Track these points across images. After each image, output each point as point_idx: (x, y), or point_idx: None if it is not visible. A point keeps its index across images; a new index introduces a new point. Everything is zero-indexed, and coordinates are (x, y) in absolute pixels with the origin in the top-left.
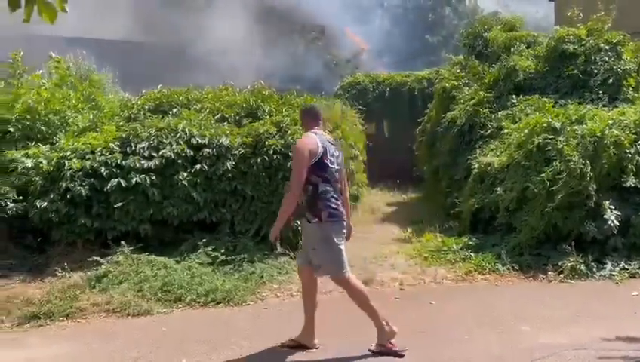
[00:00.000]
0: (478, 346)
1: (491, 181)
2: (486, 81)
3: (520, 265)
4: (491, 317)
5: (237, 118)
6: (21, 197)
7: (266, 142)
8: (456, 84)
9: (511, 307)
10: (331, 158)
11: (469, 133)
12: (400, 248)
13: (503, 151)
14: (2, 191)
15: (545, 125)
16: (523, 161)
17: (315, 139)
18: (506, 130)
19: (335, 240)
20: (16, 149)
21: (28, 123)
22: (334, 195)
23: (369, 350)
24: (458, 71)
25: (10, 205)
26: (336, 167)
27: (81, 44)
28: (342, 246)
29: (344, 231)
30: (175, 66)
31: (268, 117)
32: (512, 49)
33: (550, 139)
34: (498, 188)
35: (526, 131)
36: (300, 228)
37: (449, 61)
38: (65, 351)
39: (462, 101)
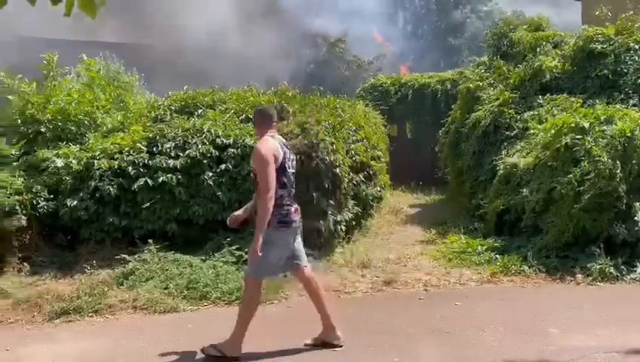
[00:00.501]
0: (505, 347)
1: (517, 182)
2: (511, 81)
3: (547, 268)
4: (518, 318)
5: None
6: (52, 196)
7: (290, 143)
8: (480, 84)
9: (538, 309)
10: (289, 163)
11: (494, 134)
12: (424, 249)
13: (529, 152)
14: (34, 190)
15: (572, 125)
16: (550, 161)
17: (275, 144)
18: (532, 131)
19: (274, 247)
20: (48, 149)
21: (59, 124)
22: (288, 201)
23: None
24: (482, 71)
25: (42, 203)
26: (293, 170)
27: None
28: (278, 255)
29: (293, 238)
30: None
31: (291, 117)
32: (538, 49)
33: (578, 139)
34: (524, 190)
35: (553, 131)
36: (323, 228)
37: (473, 62)
38: (94, 346)
39: (486, 102)
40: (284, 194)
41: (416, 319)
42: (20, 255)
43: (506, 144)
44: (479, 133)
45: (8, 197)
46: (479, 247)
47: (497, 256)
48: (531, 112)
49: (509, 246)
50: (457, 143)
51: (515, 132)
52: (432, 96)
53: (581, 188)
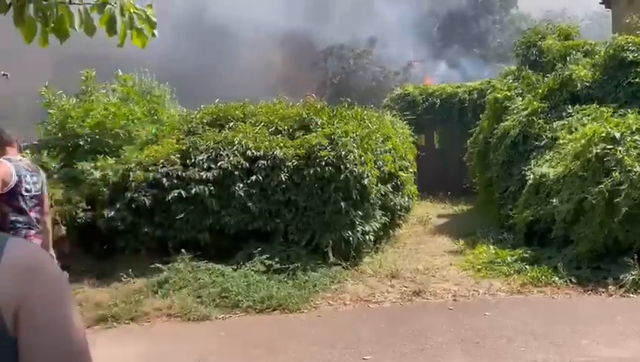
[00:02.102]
0: (536, 358)
1: (547, 192)
2: (540, 90)
3: (578, 279)
4: (548, 329)
5: (290, 130)
6: (90, 207)
7: (319, 154)
8: (508, 94)
9: (569, 320)
10: (27, 186)
11: (522, 144)
12: (452, 260)
13: (558, 162)
14: (73, 201)
15: (603, 135)
16: (580, 171)
17: (8, 168)
18: (561, 141)
19: None
20: (86, 161)
21: (97, 137)
22: (25, 226)
23: None
24: (510, 81)
25: (81, 214)
26: (33, 194)
27: None
28: None
29: None
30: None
31: (320, 129)
32: (568, 58)
33: (609, 149)
34: (554, 200)
35: (583, 141)
36: (351, 238)
37: (500, 71)
38: (132, 351)
39: (515, 111)
40: (20, 218)
41: (446, 329)
42: (60, 264)
43: (535, 154)
44: (508, 143)
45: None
46: (508, 258)
47: (527, 266)
48: (561, 122)
49: (539, 257)
50: (486, 153)
51: (544, 142)
52: (459, 105)
53: (614, 199)
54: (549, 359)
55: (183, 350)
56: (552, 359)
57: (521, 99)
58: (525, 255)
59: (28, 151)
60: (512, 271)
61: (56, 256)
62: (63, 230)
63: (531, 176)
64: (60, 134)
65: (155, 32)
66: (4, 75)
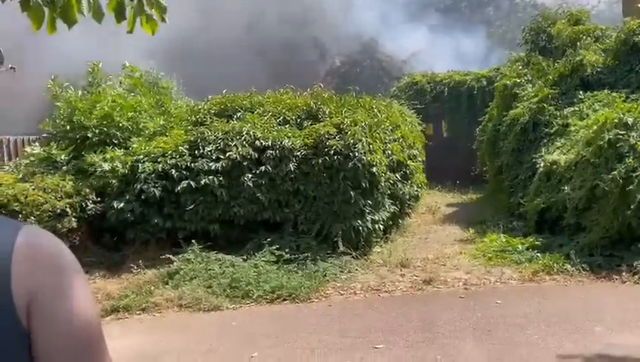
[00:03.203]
0: (549, 346)
1: (558, 179)
2: (551, 77)
3: (590, 266)
4: (561, 317)
5: (298, 120)
6: (99, 199)
7: (327, 143)
8: (518, 81)
9: (582, 308)
10: None
11: (533, 131)
12: (463, 248)
13: (570, 149)
14: (83, 193)
15: (616, 121)
16: (592, 158)
17: None
18: (573, 127)
19: None
20: (95, 153)
21: (105, 129)
22: None
23: None
24: (519, 68)
25: (90, 206)
26: None
27: None
28: None
29: None
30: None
31: (328, 118)
32: (578, 43)
33: (622, 135)
34: (565, 187)
35: (595, 128)
36: (360, 228)
37: (509, 58)
38: (144, 342)
39: (525, 98)
40: None
41: (457, 317)
42: None
43: (545, 141)
44: (518, 130)
45: (59, 201)
46: (520, 246)
47: (539, 254)
48: (572, 108)
49: (550, 245)
50: (495, 141)
51: (554, 129)
52: (468, 93)
53: (627, 185)
54: (562, 346)
55: (194, 340)
56: (566, 346)
57: (530, 85)
58: (537, 243)
59: (38, 144)
60: (523, 259)
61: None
62: (74, 222)
63: (542, 164)
64: (67, 127)
65: (166, 17)
66: (11, 68)
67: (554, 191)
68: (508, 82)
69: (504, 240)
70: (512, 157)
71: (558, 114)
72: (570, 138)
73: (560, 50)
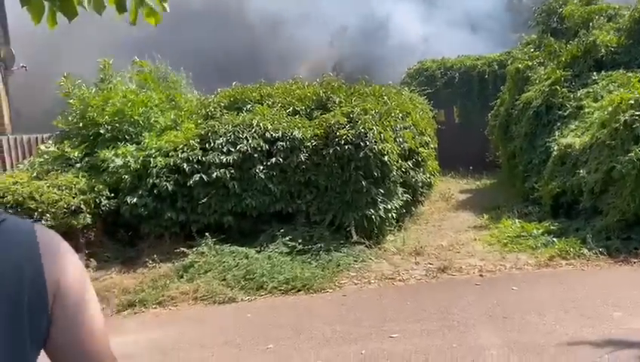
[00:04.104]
0: (568, 332)
1: (573, 163)
2: (563, 58)
3: (608, 250)
4: (579, 302)
5: (308, 110)
6: (113, 195)
7: (337, 133)
8: (530, 64)
9: (600, 292)
10: None
11: (546, 115)
12: (477, 235)
13: (584, 132)
14: (97, 189)
15: (632, 101)
16: (608, 140)
17: None
18: (587, 109)
19: None
20: (107, 149)
21: (117, 125)
22: None
23: None
24: (531, 50)
25: (104, 202)
26: None
27: None
28: None
29: None
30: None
31: (338, 108)
32: (590, 23)
33: (638, 115)
34: (581, 170)
35: (610, 109)
36: (373, 217)
37: (520, 41)
38: (161, 335)
39: (537, 81)
40: None
41: (473, 304)
42: (87, 251)
43: (559, 124)
44: (530, 114)
45: (73, 197)
46: (535, 231)
47: (554, 239)
48: (585, 90)
49: (566, 229)
50: (508, 126)
51: (568, 111)
52: (479, 78)
53: None
54: (581, 332)
55: (210, 332)
56: (585, 332)
57: (543, 68)
58: (552, 227)
59: (51, 142)
60: (538, 245)
61: (83, 244)
62: (88, 218)
63: (556, 147)
64: (80, 124)
65: (166, 5)
66: (22, 67)
67: (569, 174)
68: (520, 65)
69: (519, 225)
70: (525, 141)
71: (572, 96)
72: (585, 120)
73: (572, 31)
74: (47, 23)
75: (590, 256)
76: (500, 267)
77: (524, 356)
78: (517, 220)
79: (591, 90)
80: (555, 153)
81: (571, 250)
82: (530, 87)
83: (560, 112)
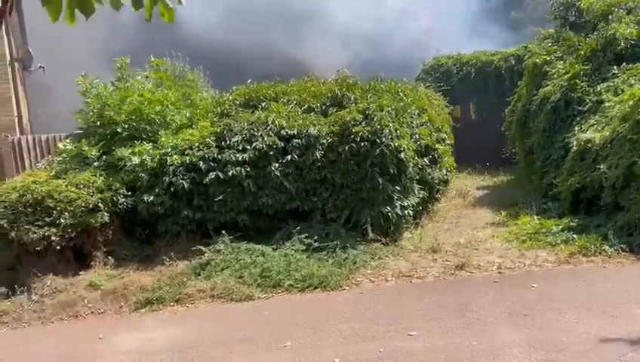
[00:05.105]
0: (590, 329)
1: (593, 158)
2: (582, 52)
3: (630, 246)
4: (601, 300)
5: (323, 107)
6: (130, 193)
7: (353, 130)
8: (547, 58)
9: (622, 289)
10: None
11: (564, 110)
12: (495, 232)
13: (605, 126)
14: (114, 188)
15: None
16: (629, 134)
17: None
18: (607, 104)
19: None
20: (124, 148)
21: (134, 123)
22: None
23: None
24: (549, 45)
25: (122, 200)
26: None
27: None
28: None
29: None
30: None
31: (353, 105)
32: (610, 16)
33: None
34: (601, 166)
35: (631, 102)
36: (389, 214)
37: (537, 35)
38: (179, 332)
39: (555, 76)
40: None
41: (492, 302)
42: (105, 249)
43: (578, 119)
44: (549, 109)
45: (91, 196)
46: (554, 228)
47: (574, 236)
48: (605, 84)
49: (586, 226)
50: (525, 121)
51: (588, 106)
52: (495, 73)
53: None
54: (603, 330)
55: (228, 330)
56: (607, 330)
57: (561, 62)
58: (572, 224)
59: (69, 141)
60: (558, 241)
61: (101, 242)
62: (106, 216)
63: (575, 142)
64: (98, 122)
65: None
66: (40, 67)
67: (589, 170)
68: (537, 60)
69: (538, 222)
70: (543, 137)
71: (591, 90)
72: (605, 115)
73: (591, 25)
74: (66, 20)
75: (612, 253)
76: (518, 264)
77: (546, 354)
78: (535, 216)
79: (611, 84)
80: (574, 148)
81: (592, 246)
82: (549, 82)
83: (579, 107)
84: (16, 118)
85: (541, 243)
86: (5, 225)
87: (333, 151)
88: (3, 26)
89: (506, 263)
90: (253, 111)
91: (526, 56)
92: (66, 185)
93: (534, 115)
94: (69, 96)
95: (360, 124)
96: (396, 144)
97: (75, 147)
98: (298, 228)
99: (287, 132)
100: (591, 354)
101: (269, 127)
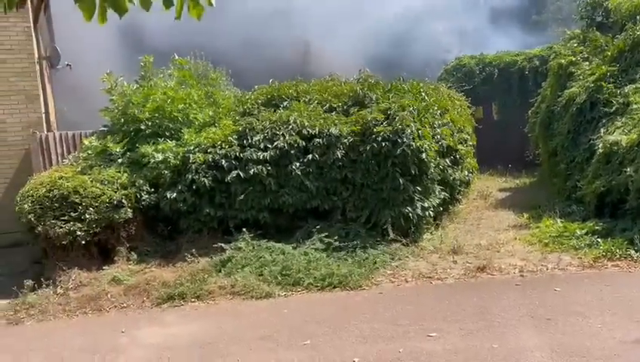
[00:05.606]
0: (615, 335)
1: (619, 161)
2: (609, 53)
3: None
4: (626, 305)
5: (345, 107)
6: (153, 190)
7: (374, 130)
8: (573, 59)
9: None
10: None
11: (590, 111)
12: (517, 234)
13: (632, 129)
14: (137, 184)
15: None
16: None
17: None
18: (635, 106)
19: None
20: (148, 145)
21: (157, 121)
22: None
23: None
24: (575, 45)
25: (145, 196)
26: None
27: None
28: None
29: None
30: None
31: (375, 104)
32: (638, 17)
33: None
34: (628, 169)
35: None
36: (410, 214)
37: (563, 36)
38: (200, 328)
39: (581, 77)
40: None
41: (514, 305)
42: (128, 244)
43: (604, 121)
44: (574, 110)
45: (115, 192)
46: (578, 231)
47: (599, 239)
48: (633, 85)
49: (612, 230)
50: (549, 123)
51: (614, 108)
52: (519, 74)
53: None
54: (628, 335)
55: (248, 327)
56: (633, 335)
57: (587, 63)
58: (597, 228)
59: (94, 138)
60: (582, 245)
61: (124, 237)
62: (129, 212)
63: (601, 145)
64: (122, 120)
65: (213, 0)
66: (67, 65)
67: (615, 173)
68: (563, 61)
69: (561, 225)
70: (567, 139)
71: (618, 92)
72: (632, 117)
73: (619, 25)
74: (98, 19)
75: (638, 258)
76: (541, 267)
77: (569, 359)
78: (559, 220)
79: (639, 86)
80: (599, 151)
81: (617, 250)
82: (574, 83)
83: (605, 109)
84: (44, 115)
85: (564, 247)
86: (33, 219)
87: (354, 150)
88: (32, 24)
89: (528, 266)
90: (274, 110)
91: (551, 57)
92: (91, 181)
93: (559, 117)
94: (95, 94)
95: (381, 123)
96: (418, 144)
97: (100, 143)
98: (318, 227)
99: (308, 131)
100: (616, 359)
101: (290, 126)
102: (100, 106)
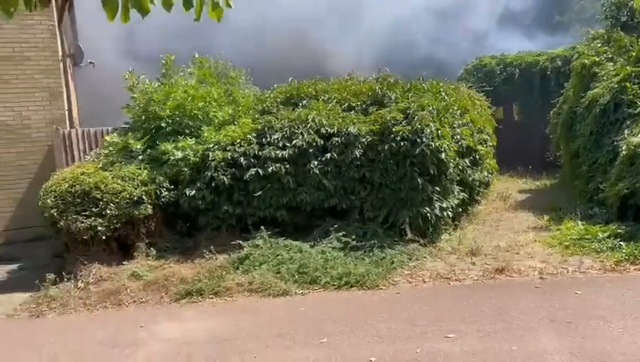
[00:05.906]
0: (636, 340)
1: None
2: (634, 54)
3: None
4: None
5: (363, 106)
6: (172, 186)
7: (393, 129)
8: (597, 59)
9: None
10: None
11: (614, 113)
12: (537, 236)
13: None
14: (157, 181)
15: None
16: None
17: None
18: None
19: None
20: (168, 142)
21: (177, 118)
22: None
23: None
24: (599, 45)
25: (164, 193)
26: None
27: None
28: None
29: None
30: None
31: (394, 104)
32: None
33: None
34: None
35: None
36: (428, 215)
37: (586, 36)
38: (217, 324)
39: (605, 78)
40: None
41: (534, 308)
42: (147, 240)
43: (628, 123)
44: (597, 111)
45: (136, 188)
46: (600, 234)
47: (622, 243)
48: None
49: (635, 233)
50: (571, 124)
51: (639, 109)
52: (540, 75)
53: None
54: None
55: (264, 324)
56: None
57: (611, 64)
58: (619, 231)
59: (116, 134)
60: (604, 248)
61: (144, 233)
62: (149, 209)
63: (625, 147)
64: (143, 117)
65: (231, 2)
66: (90, 63)
67: (639, 175)
68: (586, 61)
69: (582, 227)
70: (590, 140)
71: None
72: None
73: None
74: (121, 19)
75: None
76: (561, 270)
77: None
78: (580, 222)
79: None
80: (623, 152)
81: None
82: (597, 84)
83: (630, 110)
84: (67, 112)
85: (586, 250)
86: (55, 214)
87: (372, 150)
88: (56, 22)
89: (548, 269)
90: (293, 109)
91: (574, 57)
92: (113, 178)
93: (581, 118)
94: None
95: (400, 123)
96: (437, 144)
97: (122, 140)
98: (336, 225)
99: (326, 130)
100: None
101: (309, 125)
102: (121, 104)
